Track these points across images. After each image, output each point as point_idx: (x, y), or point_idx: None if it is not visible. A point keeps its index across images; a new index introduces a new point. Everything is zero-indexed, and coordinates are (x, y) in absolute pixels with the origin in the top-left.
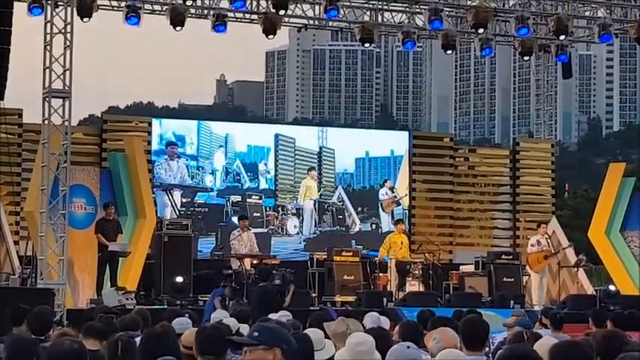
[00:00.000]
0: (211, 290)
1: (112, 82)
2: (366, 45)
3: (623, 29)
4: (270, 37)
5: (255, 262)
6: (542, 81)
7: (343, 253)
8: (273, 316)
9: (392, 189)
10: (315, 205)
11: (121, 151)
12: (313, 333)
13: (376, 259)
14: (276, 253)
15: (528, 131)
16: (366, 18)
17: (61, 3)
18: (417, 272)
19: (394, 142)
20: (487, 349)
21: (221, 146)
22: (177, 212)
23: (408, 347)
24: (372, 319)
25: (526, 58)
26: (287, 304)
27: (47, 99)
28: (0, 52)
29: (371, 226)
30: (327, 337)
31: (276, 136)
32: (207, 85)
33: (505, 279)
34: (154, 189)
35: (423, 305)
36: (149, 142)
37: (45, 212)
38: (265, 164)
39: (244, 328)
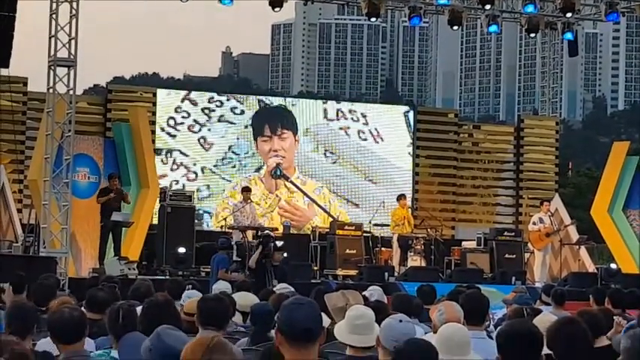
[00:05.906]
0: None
1: (118, 52)
2: (373, 19)
3: (630, 8)
4: (277, 9)
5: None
6: (548, 58)
7: (345, 227)
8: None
9: None
10: None
11: (125, 121)
12: None
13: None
14: None
15: (533, 108)
16: None
17: None
18: (419, 247)
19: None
20: (487, 323)
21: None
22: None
23: (400, 321)
24: (372, 292)
25: (532, 35)
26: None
27: (52, 68)
28: (6, 20)
29: None
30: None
31: None
32: (213, 57)
33: (507, 255)
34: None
35: (424, 280)
36: (153, 113)
37: (48, 181)
38: None
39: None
